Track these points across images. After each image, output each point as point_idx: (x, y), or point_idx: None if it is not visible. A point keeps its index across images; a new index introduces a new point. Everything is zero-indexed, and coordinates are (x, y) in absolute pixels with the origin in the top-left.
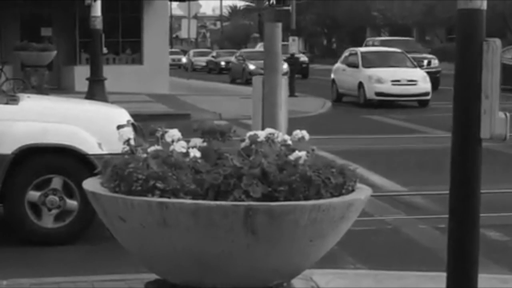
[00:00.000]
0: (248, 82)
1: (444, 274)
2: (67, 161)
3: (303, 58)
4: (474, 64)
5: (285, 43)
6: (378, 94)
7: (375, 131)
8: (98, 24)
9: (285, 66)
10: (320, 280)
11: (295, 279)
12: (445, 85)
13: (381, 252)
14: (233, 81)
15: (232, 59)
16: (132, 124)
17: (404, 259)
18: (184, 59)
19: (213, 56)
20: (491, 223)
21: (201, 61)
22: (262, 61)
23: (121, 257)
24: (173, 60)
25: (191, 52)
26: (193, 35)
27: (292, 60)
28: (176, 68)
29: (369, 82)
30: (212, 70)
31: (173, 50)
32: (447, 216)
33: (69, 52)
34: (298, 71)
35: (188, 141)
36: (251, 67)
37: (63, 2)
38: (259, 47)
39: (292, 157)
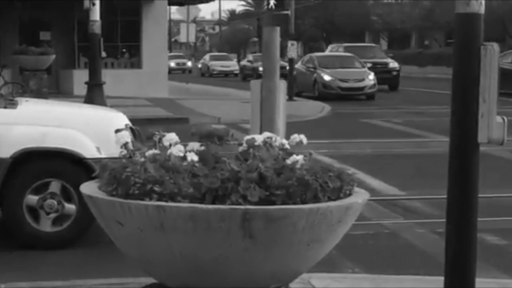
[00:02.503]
0: (322, 97)
1: (442, 278)
2: (65, 165)
3: (393, 64)
4: (472, 68)
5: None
6: None
7: (374, 135)
8: (97, 28)
9: (372, 76)
10: (318, 284)
11: (292, 283)
12: None
13: (379, 256)
14: (299, 94)
15: (298, 65)
16: (130, 128)
17: (402, 263)
18: (189, 63)
19: (249, 61)
20: (489, 227)
21: (218, 65)
22: (339, 70)
23: (119, 261)
24: (178, 64)
25: (207, 56)
26: (192, 39)
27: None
28: (180, 72)
29: None
30: (248, 76)
31: (177, 54)
32: (445, 220)
33: (68, 56)
34: (384, 80)
35: (186, 145)
36: (326, 77)
37: (62, 6)
38: (333, 49)
39: (289, 161)
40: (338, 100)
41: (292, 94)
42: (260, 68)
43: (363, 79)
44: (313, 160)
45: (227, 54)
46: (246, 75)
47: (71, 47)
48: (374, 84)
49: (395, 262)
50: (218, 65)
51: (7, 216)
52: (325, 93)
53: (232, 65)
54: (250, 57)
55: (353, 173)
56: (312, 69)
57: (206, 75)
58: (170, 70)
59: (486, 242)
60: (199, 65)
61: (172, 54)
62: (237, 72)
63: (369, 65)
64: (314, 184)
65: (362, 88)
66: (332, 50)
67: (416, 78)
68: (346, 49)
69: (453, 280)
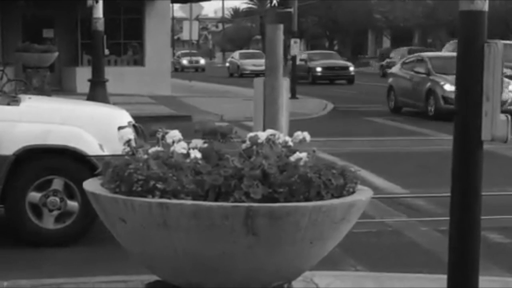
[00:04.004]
0: (441, 114)
1: (445, 276)
2: (68, 162)
3: None
4: (476, 66)
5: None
6: None
7: (377, 133)
8: (100, 26)
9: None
10: (321, 282)
11: (295, 280)
12: None
13: (382, 254)
14: (397, 109)
15: (396, 69)
16: (133, 125)
17: (405, 261)
18: (202, 61)
19: (302, 60)
20: (492, 225)
21: (249, 64)
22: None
23: (121, 259)
24: (190, 62)
25: (237, 53)
26: (194, 37)
27: None
28: (193, 71)
29: None
30: (302, 78)
31: (189, 51)
32: (448, 218)
33: (71, 53)
34: None
35: (189, 142)
36: (448, 88)
37: (65, 3)
38: (450, 47)
39: (292, 158)
40: None
41: (295, 92)
42: (318, 69)
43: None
44: (316, 157)
45: (259, 52)
46: (300, 77)
47: (74, 45)
48: None
49: (398, 260)
50: (249, 64)
51: (10, 213)
52: (445, 110)
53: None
54: (303, 55)
55: (356, 171)
56: (423, 75)
57: (236, 75)
58: (183, 68)
59: (489, 240)
60: (227, 64)
61: (184, 51)
62: None
63: (508, 71)
64: (317, 181)
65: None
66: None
67: None
68: None
69: (457, 279)
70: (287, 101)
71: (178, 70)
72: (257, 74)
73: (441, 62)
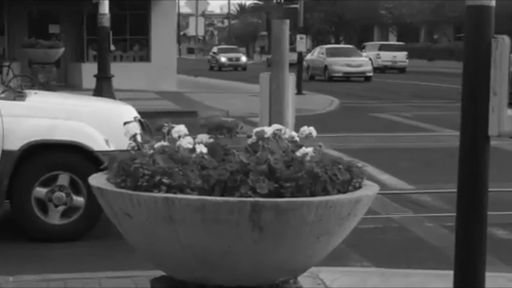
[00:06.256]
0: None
1: (451, 273)
2: (74, 158)
3: None
4: (483, 61)
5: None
6: None
7: (383, 129)
8: (106, 22)
9: None
10: (327, 278)
11: (301, 276)
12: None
13: (388, 250)
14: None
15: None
16: (139, 120)
17: (411, 257)
18: (244, 58)
19: None
20: (499, 221)
21: (341, 64)
22: None
23: (127, 254)
24: (229, 59)
25: (322, 50)
26: (200, 33)
27: None
28: (232, 69)
29: None
30: None
31: (229, 46)
32: (454, 214)
33: (76, 49)
34: None
35: (194, 138)
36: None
37: None
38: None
39: (299, 153)
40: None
41: (301, 88)
42: None
43: None
44: (323, 153)
45: (352, 47)
46: None
47: (80, 40)
48: None
49: (404, 256)
50: (341, 64)
51: (15, 209)
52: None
53: (363, 63)
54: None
55: (363, 166)
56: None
57: (320, 78)
58: (220, 67)
59: (495, 236)
60: (304, 63)
61: (222, 46)
62: (370, 74)
63: None
64: (324, 176)
65: None
66: None
67: (425, 72)
68: None
69: (463, 275)
70: (293, 97)
71: (214, 68)
72: (348, 77)
73: None
